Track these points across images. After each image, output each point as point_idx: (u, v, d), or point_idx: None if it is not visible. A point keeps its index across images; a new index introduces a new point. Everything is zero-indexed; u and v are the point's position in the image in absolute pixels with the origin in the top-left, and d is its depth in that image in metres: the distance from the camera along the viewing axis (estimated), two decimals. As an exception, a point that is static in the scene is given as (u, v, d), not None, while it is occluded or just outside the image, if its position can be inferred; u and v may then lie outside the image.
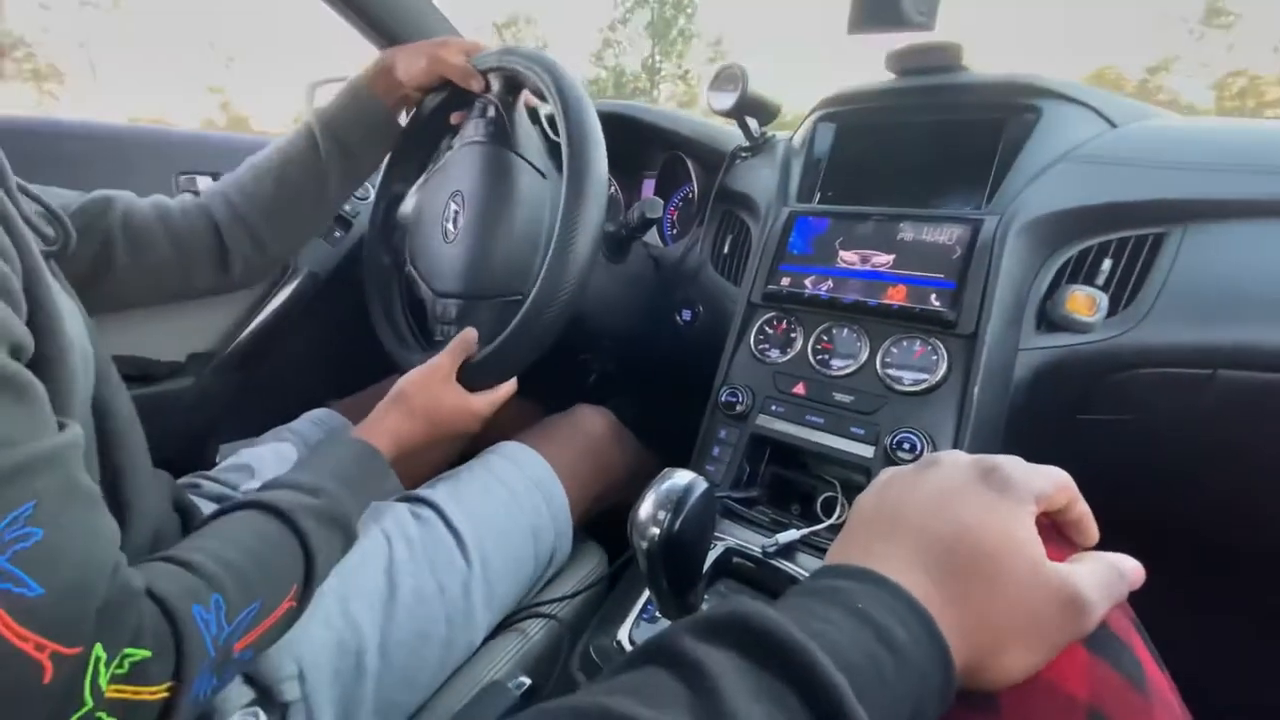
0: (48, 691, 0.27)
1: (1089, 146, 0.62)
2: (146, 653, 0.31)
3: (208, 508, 0.62)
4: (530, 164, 0.70)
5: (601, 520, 0.77)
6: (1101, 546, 0.31)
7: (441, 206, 0.71)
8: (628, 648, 0.52)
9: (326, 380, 1.01)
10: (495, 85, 0.71)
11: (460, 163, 0.71)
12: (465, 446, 0.79)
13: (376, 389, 0.86)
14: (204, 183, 0.85)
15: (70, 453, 0.30)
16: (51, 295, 0.33)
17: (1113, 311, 0.57)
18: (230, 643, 0.36)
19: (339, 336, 0.94)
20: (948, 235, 0.61)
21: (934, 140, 0.70)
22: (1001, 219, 0.59)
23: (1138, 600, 0.30)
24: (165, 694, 0.31)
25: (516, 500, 0.65)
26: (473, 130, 0.71)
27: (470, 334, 0.65)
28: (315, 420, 0.79)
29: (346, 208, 0.98)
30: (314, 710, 0.48)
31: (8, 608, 0.25)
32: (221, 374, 0.93)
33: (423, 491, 0.64)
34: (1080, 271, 0.59)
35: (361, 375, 0.99)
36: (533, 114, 0.76)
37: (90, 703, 0.28)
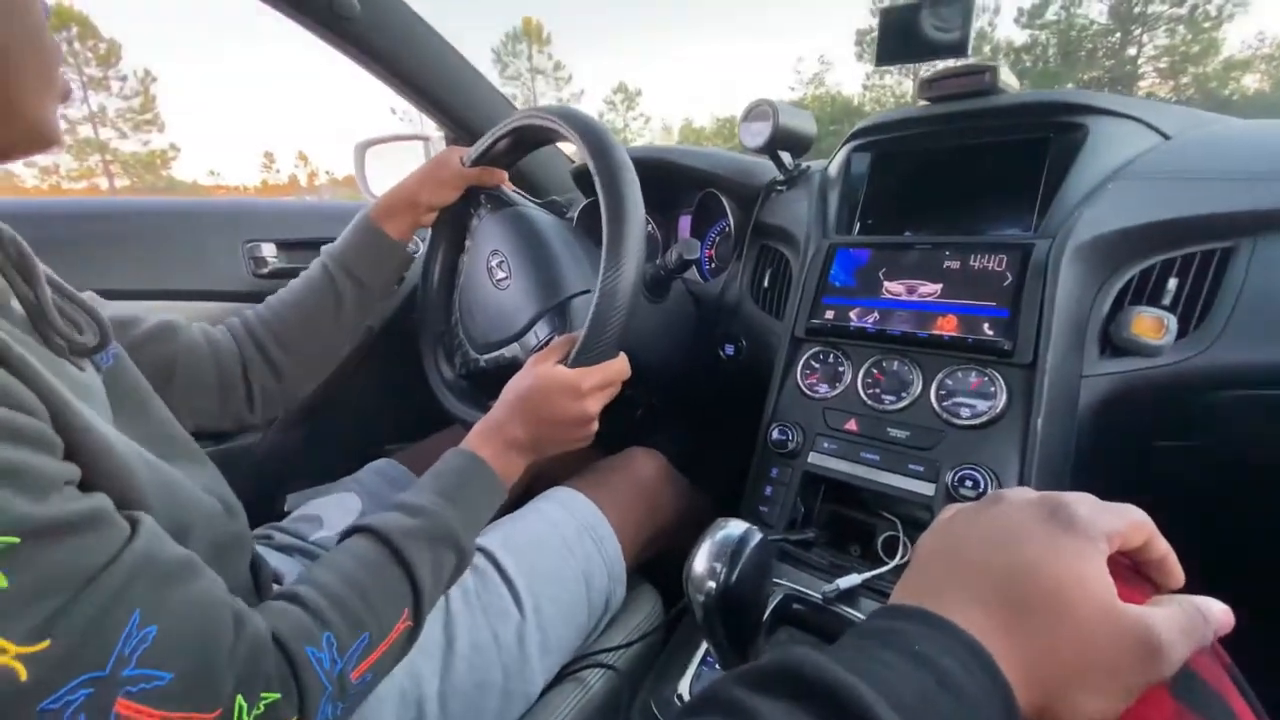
0: None
1: (1143, 162, 0.59)
2: (276, 695, 0.34)
3: (274, 557, 0.65)
4: (549, 209, 0.78)
5: (655, 562, 0.77)
6: (1192, 579, 0.29)
7: (483, 265, 0.76)
8: (688, 700, 0.51)
9: (385, 429, 1.05)
10: (507, 154, 0.77)
11: (489, 230, 0.77)
12: (518, 492, 0.79)
13: (438, 438, 0.88)
14: (268, 249, 0.91)
15: (150, 545, 0.32)
16: (80, 414, 0.33)
17: (1183, 332, 0.54)
18: (346, 673, 0.38)
19: (395, 387, 0.98)
20: (996, 262, 0.60)
21: (974, 164, 0.68)
22: (1054, 242, 0.57)
23: (1236, 647, 0.28)
24: None
25: (568, 546, 0.65)
26: (490, 201, 0.78)
27: (565, 337, 0.63)
28: (377, 470, 0.81)
29: None
30: None
31: (148, 702, 0.28)
32: (288, 428, 0.97)
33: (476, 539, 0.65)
34: (1144, 292, 0.57)
35: (419, 424, 1.02)
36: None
37: None
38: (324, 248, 0.73)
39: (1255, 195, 0.53)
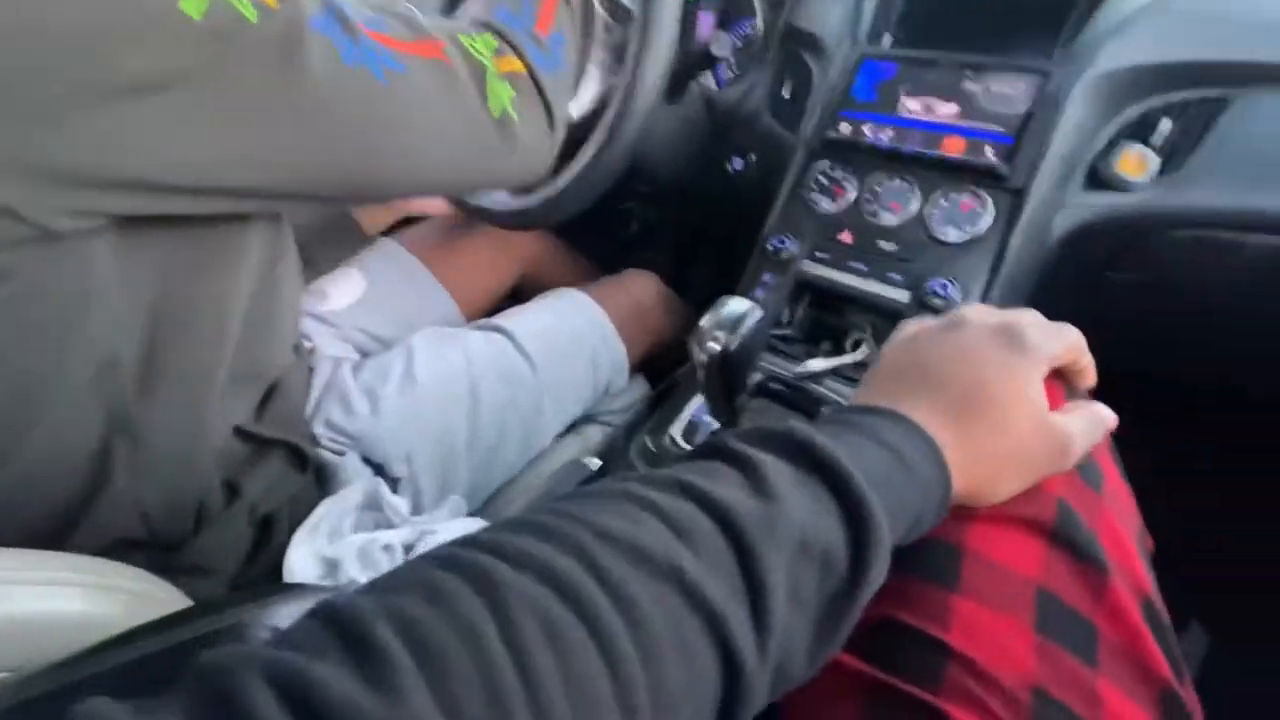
0: None
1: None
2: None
3: None
4: None
5: (645, 362, 0.86)
6: (1099, 394, 0.37)
7: None
8: (680, 442, 0.62)
9: None
10: None
11: None
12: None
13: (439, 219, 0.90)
14: None
15: None
16: None
17: (1163, 173, 0.59)
18: (531, 28, 0.51)
19: None
20: (1013, 87, 0.62)
21: None
22: (1072, 70, 0.59)
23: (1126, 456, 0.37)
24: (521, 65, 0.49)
25: (577, 334, 0.74)
26: None
27: None
28: (380, 252, 0.84)
29: None
30: (418, 482, 0.61)
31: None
32: None
33: (496, 320, 0.73)
34: (1138, 131, 0.60)
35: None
36: None
37: None
38: None
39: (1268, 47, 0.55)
